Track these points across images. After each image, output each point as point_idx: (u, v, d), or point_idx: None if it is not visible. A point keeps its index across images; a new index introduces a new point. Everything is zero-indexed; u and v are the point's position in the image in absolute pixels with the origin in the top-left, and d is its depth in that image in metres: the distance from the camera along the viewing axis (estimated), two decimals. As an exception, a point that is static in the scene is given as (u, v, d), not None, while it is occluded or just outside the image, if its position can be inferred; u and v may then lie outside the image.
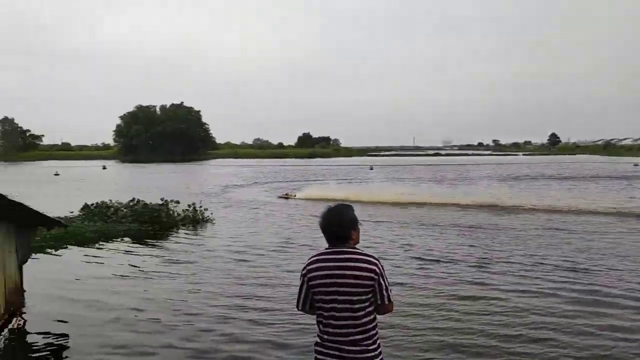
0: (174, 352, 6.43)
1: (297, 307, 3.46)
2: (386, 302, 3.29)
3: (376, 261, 3.29)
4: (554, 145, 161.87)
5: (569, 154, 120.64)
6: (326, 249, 3.37)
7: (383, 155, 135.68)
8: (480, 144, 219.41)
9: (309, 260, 3.38)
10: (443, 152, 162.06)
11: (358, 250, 3.33)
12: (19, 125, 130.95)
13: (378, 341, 3.33)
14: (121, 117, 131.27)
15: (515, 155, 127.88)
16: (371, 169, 60.31)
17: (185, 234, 16.16)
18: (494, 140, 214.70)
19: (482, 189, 30.75)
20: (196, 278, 10.22)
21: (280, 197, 28.55)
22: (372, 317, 3.31)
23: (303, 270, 3.38)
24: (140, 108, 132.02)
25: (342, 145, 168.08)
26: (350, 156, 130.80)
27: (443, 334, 6.84)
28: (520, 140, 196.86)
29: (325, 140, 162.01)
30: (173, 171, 62.40)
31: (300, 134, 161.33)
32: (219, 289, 9.28)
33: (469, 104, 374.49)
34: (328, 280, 3.25)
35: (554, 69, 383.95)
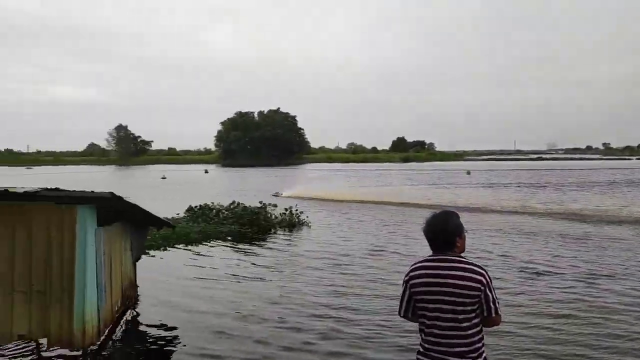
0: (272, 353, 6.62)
1: (399, 313, 3.41)
2: (493, 315, 3.17)
3: (483, 271, 3.18)
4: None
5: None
6: (430, 255, 3.30)
7: (481, 160, 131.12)
8: (588, 148, 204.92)
9: (412, 267, 3.33)
10: (547, 156, 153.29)
11: (464, 259, 3.24)
12: (132, 132, 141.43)
13: (484, 355, 3.21)
14: (222, 123, 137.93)
15: (629, 159, 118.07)
16: (468, 173, 58.36)
17: (283, 237, 16.58)
18: (604, 144, 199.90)
19: (590, 196, 28.74)
20: (292, 282, 10.41)
21: (273, 195, 31.25)
22: (477, 329, 3.19)
23: (405, 276, 3.33)
24: (239, 114, 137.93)
25: (437, 149, 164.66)
26: (446, 160, 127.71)
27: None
28: (634, 144, 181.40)
29: (420, 144, 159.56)
30: (269, 175, 64.30)
31: (394, 138, 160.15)
32: (313, 297, 9.31)
33: (576, 105, 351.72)
34: (431, 289, 3.19)
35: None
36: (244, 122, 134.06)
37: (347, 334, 7.18)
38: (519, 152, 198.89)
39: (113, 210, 7.22)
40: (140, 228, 9.06)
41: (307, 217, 19.37)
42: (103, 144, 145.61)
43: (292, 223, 18.63)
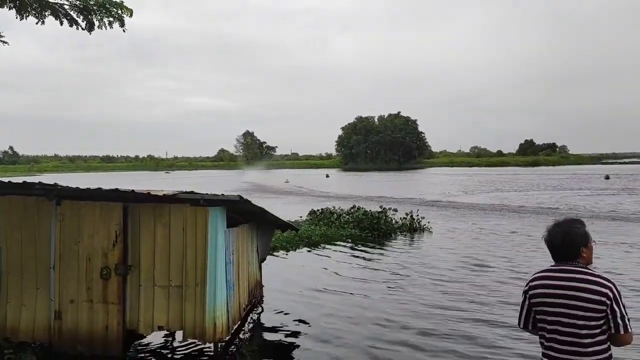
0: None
1: (519, 324, 3.30)
2: (621, 332, 2.91)
3: (610, 284, 2.93)
4: None
5: None
6: (552, 265, 3.15)
7: (621, 163, 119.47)
8: None
9: (533, 276, 3.20)
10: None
11: (589, 271, 3.01)
12: (257, 138, 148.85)
13: None
14: (342, 128, 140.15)
15: None
16: (607, 178, 53.48)
17: (403, 242, 16.35)
18: None
19: None
20: (411, 289, 10.23)
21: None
22: (603, 347, 2.94)
23: (525, 286, 3.21)
24: (359, 119, 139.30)
25: (570, 152, 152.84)
26: (581, 164, 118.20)
27: None
28: None
29: (551, 147, 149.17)
30: (390, 179, 64.02)
31: (522, 141, 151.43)
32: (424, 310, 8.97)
33: None
34: (551, 300, 3.02)
35: None
36: (364, 127, 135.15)
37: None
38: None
39: (242, 212, 7.60)
40: (265, 230, 9.43)
41: (428, 222, 18.93)
42: (232, 149, 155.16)
43: (412, 228, 18.33)
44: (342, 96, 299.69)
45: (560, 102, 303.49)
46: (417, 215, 18.88)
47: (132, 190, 6.11)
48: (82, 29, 9.19)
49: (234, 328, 7.05)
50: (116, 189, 6.10)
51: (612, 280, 2.98)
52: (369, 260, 13.31)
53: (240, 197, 6.46)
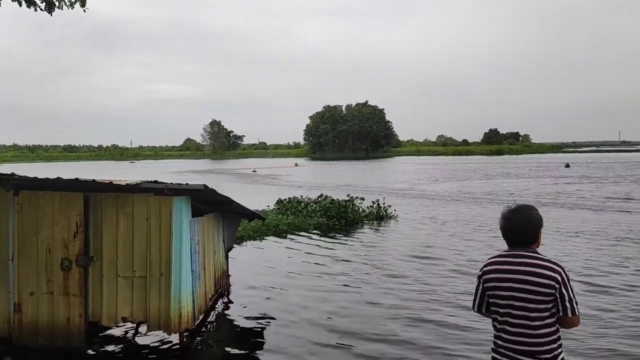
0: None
1: (473, 308, 3.38)
2: (569, 315, 3.01)
3: (560, 269, 3.02)
4: None
5: None
6: (505, 251, 3.22)
7: (582, 152, 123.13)
8: None
9: (487, 262, 3.28)
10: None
11: (539, 255, 3.10)
12: (225, 127, 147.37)
13: (561, 357, 3.05)
14: (310, 117, 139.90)
15: None
16: (567, 166, 54.98)
17: (370, 230, 16.50)
18: None
19: None
20: (375, 277, 10.33)
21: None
22: (552, 329, 3.04)
23: (479, 271, 3.29)
24: (327, 108, 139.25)
25: (532, 141, 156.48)
26: (543, 153, 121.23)
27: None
28: None
29: (514, 136, 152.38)
30: (358, 168, 64.40)
31: (487, 130, 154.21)
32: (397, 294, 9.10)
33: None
34: (504, 284, 3.11)
35: None
36: (332, 116, 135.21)
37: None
38: (624, 143, 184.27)
39: (207, 202, 7.53)
40: (232, 219, 9.38)
41: (395, 210, 19.12)
42: (198, 138, 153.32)
43: (379, 216, 18.51)
44: (310, 85, 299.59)
45: (524, 92, 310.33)
46: (384, 204, 19.07)
47: (94, 180, 5.97)
48: (41, 9, 8.83)
49: (200, 318, 7.02)
50: (76, 179, 5.96)
51: (561, 265, 3.07)
52: (335, 249, 13.35)
53: (205, 186, 6.40)
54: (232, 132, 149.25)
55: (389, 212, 18.81)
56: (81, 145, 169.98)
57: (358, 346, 6.52)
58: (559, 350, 3.06)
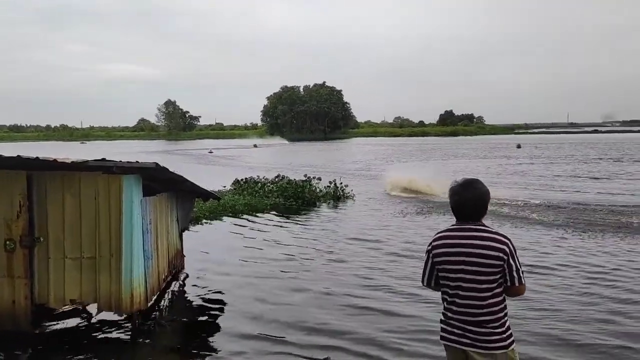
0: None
1: (422, 282, 3.40)
2: (516, 284, 3.10)
3: (507, 240, 3.10)
4: None
5: None
6: (453, 225, 3.25)
7: (532, 133, 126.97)
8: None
9: (435, 236, 3.29)
10: (603, 129, 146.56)
11: (487, 228, 3.16)
12: (180, 108, 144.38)
13: (507, 324, 3.16)
14: (268, 98, 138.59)
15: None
16: (519, 147, 56.71)
17: (326, 211, 16.57)
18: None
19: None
20: (331, 255, 10.41)
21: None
22: (499, 298, 3.14)
23: (428, 246, 3.30)
24: (285, 89, 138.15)
25: (486, 122, 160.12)
26: (496, 134, 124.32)
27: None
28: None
29: (469, 118, 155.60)
30: (316, 149, 64.42)
31: (442, 112, 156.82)
32: (351, 272, 9.27)
33: (636, 74, 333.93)
34: (454, 258, 3.14)
35: None
36: (289, 97, 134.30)
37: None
38: (572, 125, 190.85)
39: (159, 181, 7.36)
40: (186, 199, 9.21)
41: (351, 190, 19.26)
42: (153, 119, 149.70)
43: (336, 196, 18.61)
44: (267, 65, 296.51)
45: (478, 75, 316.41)
46: (341, 184, 19.18)
47: (37, 158, 5.72)
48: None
49: (153, 299, 6.89)
50: (18, 156, 5.69)
51: (508, 237, 3.14)
52: (290, 227, 13.38)
53: (157, 164, 6.23)
54: (188, 112, 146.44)
55: (345, 192, 18.93)
56: (28, 125, 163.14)
57: (289, 337, 6.18)
58: (505, 318, 3.16)
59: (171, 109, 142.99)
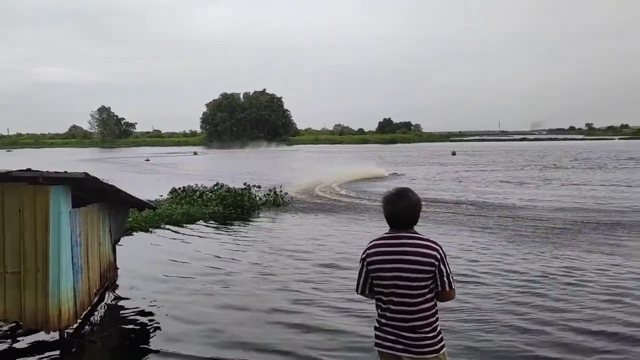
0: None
1: (357, 291, 3.42)
2: (447, 289, 3.20)
3: (438, 247, 3.21)
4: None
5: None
6: (386, 233, 3.31)
7: (466, 141, 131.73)
8: (572, 128, 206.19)
9: (369, 245, 3.34)
10: (531, 137, 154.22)
11: (419, 235, 3.26)
12: (115, 114, 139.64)
13: (439, 329, 3.26)
14: (207, 105, 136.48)
15: (611, 139, 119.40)
16: (453, 154, 58.72)
17: (267, 217, 16.51)
18: (587, 124, 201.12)
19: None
20: (266, 263, 10.31)
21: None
22: (431, 303, 3.24)
23: (363, 254, 3.34)
24: (224, 95, 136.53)
25: (423, 130, 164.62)
26: (433, 141, 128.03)
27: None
28: (617, 124, 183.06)
29: (407, 125, 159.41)
30: (256, 157, 64.04)
31: (381, 120, 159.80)
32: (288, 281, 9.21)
33: (562, 86, 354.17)
34: (388, 265, 3.20)
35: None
36: (229, 104, 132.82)
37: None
38: (503, 132, 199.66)
39: (90, 191, 7.10)
40: (120, 210, 8.92)
41: (291, 198, 19.28)
42: (85, 126, 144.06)
43: (276, 204, 18.58)
44: (207, 71, 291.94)
45: (416, 83, 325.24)
46: (281, 192, 19.17)
47: (-46, 168, 5.39)
48: None
49: (84, 314, 6.62)
50: None
51: (438, 243, 3.24)
52: (229, 237, 13.23)
53: (87, 174, 6.01)
54: (123, 119, 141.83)
55: (285, 200, 18.93)
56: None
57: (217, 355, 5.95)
58: (437, 323, 3.25)
59: (105, 116, 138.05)
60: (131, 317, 7.27)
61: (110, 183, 7.33)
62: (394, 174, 33.36)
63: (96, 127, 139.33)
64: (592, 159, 46.12)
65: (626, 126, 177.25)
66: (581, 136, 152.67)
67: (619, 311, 6.92)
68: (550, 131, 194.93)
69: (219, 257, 10.89)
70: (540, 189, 24.28)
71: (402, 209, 3.24)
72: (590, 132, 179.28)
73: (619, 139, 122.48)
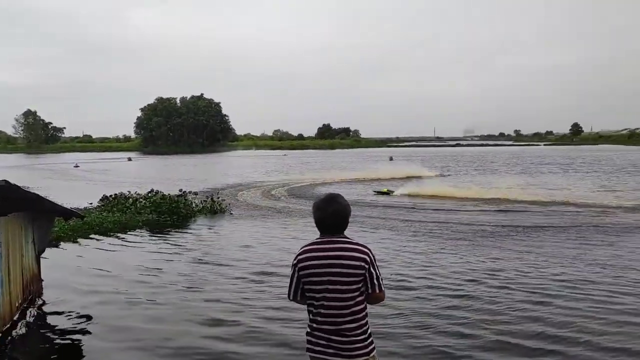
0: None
1: (289, 297, 3.43)
2: (377, 291, 3.27)
3: (367, 250, 3.28)
4: (576, 135, 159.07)
5: (591, 144, 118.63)
6: (317, 238, 3.35)
7: (403, 146, 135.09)
8: (501, 134, 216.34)
9: (300, 250, 3.36)
10: (464, 142, 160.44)
11: (349, 240, 3.31)
12: (41, 118, 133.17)
13: (369, 331, 3.32)
14: (142, 109, 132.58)
15: (537, 145, 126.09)
16: (391, 159, 59.96)
17: (203, 224, 16.21)
18: (515, 131, 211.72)
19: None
20: (202, 274, 10.11)
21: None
22: (362, 306, 3.29)
23: (294, 260, 3.35)
24: (160, 100, 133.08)
25: (362, 136, 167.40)
26: (370, 147, 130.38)
27: None
28: (542, 131, 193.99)
29: (345, 131, 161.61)
30: (194, 163, 62.85)
31: (320, 125, 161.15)
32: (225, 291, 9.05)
33: (493, 94, 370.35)
34: (319, 270, 3.23)
35: (577, 59, 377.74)
36: (165, 108, 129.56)
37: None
38: (438, 138, 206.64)
39: (11, 200, 6.73)
40: (44, 219, 8.51)
41: (229, 204, 19.06)
42: (9, 130, 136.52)
43: (213, 210, 18.30)
44: (142, 75, 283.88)
45: (355, 89, 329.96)
46: (218, 198, 18.91)
47: None
48: None
49: (4, 328, 6.26)
50: None
51: (368, 247, 3.31)
52: (164, 245, 12.85)
53: (6, 181, 5.69)
54: (50, 123, 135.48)
55: (223, 206, 18.68)
56: None
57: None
58: (367, 326, 3.31)
59: (31, 120, 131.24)
60: (56, 332, 6.91)
61: (34, 191, 6.99)
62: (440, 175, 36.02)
63: (21, 132, 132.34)
64: (522, 164, 48.53)
65: (550, 132, 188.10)
66: (510, 142, 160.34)
67: (545, 312, 7.16)
68: (482, 137, 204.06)
69: (149, 267, 10.40)
70: (471, 190, 25.12)
71: (330, 214, 3.28)
72: (518, 138, 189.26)
73: (544, 145, 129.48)
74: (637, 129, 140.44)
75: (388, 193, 24.80)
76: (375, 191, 25.80)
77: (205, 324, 7.07)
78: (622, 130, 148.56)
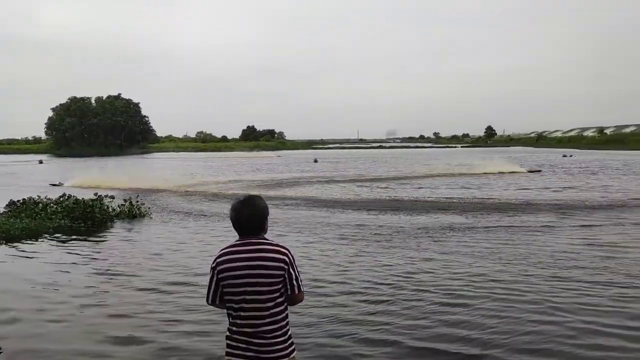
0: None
1: (207, 301, 3.36)
2: (296, 292, 3.28)
3: (286, 251, 3.27)
4: (490, 137, 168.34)
5: (503, 146, 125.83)
6: (236, 241, 3.32)
7: (328, 148, 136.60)
8: (422, 137, 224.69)
9: (219, 253, 3.31)
10: (386, 144, 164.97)
11: (268, 241, 3.30)
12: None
13: (289, 333, 3.31)
14: (53, 109, 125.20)
15: (455, 147, 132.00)
16: (315, 161, 60.41)
17: (119, 230, 15.45)
18: (435, 133, 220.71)
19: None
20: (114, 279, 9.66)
21: (52, 185, 30.53)
22: (282, 307, 3.28)
23: (213, 263, 3.30)
24: (73, 100, 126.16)
25: (287, 138, 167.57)
26: (296, 149, 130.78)
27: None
28: (459, 133, 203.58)
29: (270, 133, 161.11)
30: (111, 165, 59.95)
31: (245, 127, 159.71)
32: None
33: (413, 98, 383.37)
34: (238, 272, 3.19)
35: (493, 66, 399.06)
36: (79, 109, 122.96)
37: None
38: (362, 140, 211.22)
39: None
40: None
41: (149, 208, 18.32)
42: None
43: (132, 214, 17.53)
44: (52, 73, 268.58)
45: (280, 91, 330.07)
46: (137, 202, 18.13)
47: None
48: None
49: None
50: None
51: (287, 247, 3.31)
52: (68, 258, 11.81)
53: None
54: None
55: (142, 211, 17.93)
56: None
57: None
58: (288, 327, 3.30)
59: None
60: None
61: None
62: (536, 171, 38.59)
63: None
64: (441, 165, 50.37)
65: (467, 135, 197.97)
66: (430, 144, 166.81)
67: (461, 314, 7.16)
68: (404, 139, 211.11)
69: (49, 280, 9.44)
70: (399, 191, 25.70)
71: (246, 215, 3.26)
72: (438, 140, 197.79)
73: (461, 147, 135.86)
74: (544, 132, 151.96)
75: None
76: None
77: (106, 341, 6.44)
78: (530, 134, 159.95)
